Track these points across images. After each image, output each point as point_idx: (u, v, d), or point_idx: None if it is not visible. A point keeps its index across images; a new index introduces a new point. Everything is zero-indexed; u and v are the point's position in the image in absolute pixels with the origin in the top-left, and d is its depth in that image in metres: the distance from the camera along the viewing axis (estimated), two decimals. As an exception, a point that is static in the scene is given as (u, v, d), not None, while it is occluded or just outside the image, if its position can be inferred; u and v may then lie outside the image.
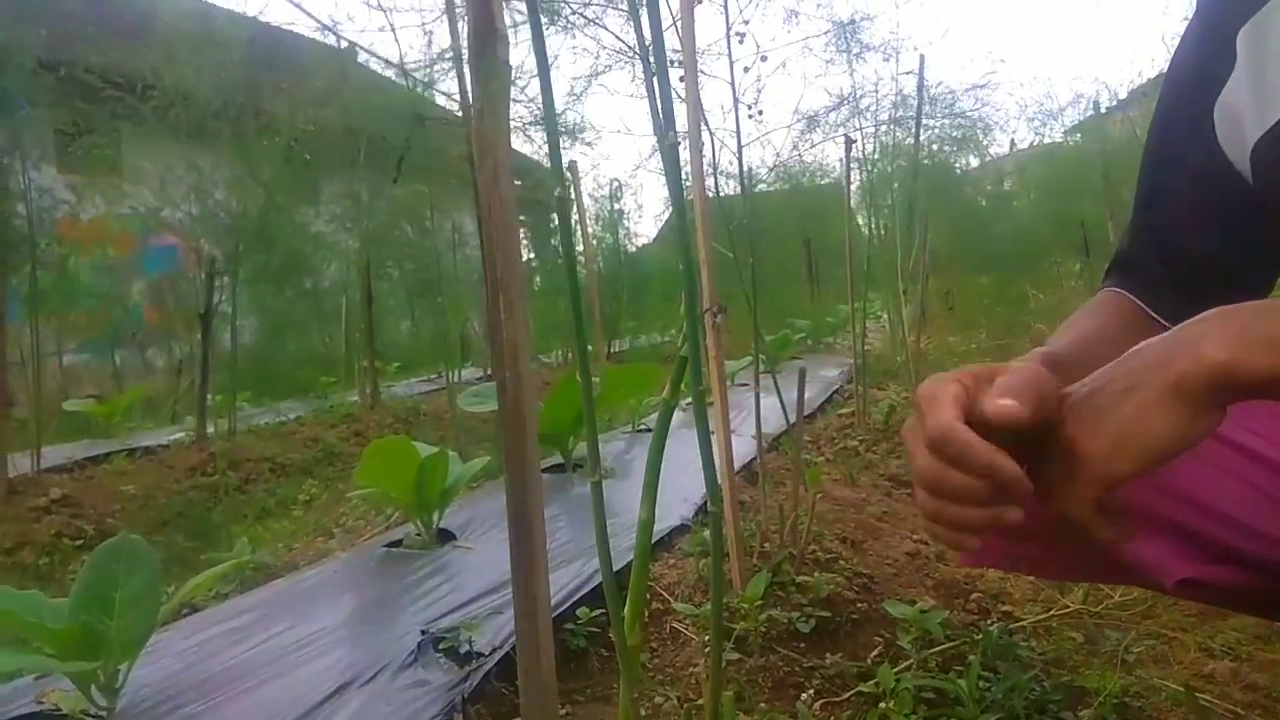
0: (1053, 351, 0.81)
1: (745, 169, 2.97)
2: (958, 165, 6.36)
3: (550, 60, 2.23)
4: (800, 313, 9.51)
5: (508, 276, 0.94)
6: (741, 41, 2.13)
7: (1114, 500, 0.65)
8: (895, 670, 1.68)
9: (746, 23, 2.17)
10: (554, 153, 1.04)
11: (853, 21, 2.91)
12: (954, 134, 5.88)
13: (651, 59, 1.08)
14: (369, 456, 2.51)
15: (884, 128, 5.44)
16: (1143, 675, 1.74)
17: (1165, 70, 0.98)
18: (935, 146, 5.83)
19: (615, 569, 1.12)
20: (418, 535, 2.58)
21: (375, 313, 6.57)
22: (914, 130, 5.35)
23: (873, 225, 6.24)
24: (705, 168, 2.50)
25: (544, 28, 1.94)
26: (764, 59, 2.21)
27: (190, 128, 4.66)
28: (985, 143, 6.68)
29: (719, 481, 1.06)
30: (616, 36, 1.78)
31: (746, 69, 2.17)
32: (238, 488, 4.47)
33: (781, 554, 2.14)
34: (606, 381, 3.51)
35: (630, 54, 1.53)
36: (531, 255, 11.76)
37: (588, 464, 1.08)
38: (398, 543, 2.60)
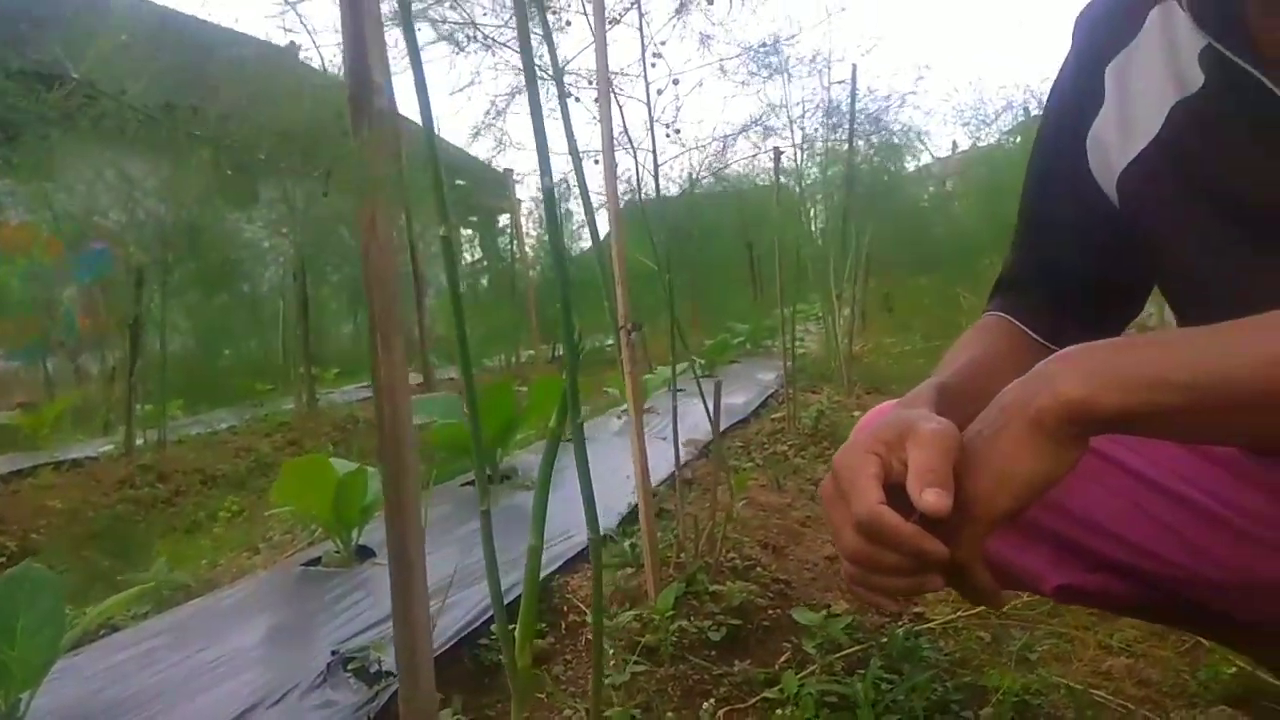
0: (944, 382, 0.84)
1: (688, 175, 3.03)
2: (893, 170, 6.44)
3: (471, 79, 2.23)
4: (741, 316, 9.57)
5: (385, 321, 0.96)
6: (654, 65, 2.17)
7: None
8: (799, 675, 1.73)
9: (663, 43, 2.21)
10: (439, 201, 1.04)
11: (764, 45, 2.95)
12: (891, 140, 5.96)
13: (551, 90, 1.11)
14: (285, 475, 2.50)
15: (817, 134, 5.49)
16: (1044, 673, 1.78)
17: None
18: (872, 153, 5.89)
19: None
20: (336, 553, 2.57)
21: (313, 318, 6.49)
22: (848, 138, 5.43)
23: (811, 228, 6.30)
24: (626, 185, 2.54)
25: (457, 50, 1.96)
26: (676, 82, 2.25)
27: (124, 130, 4.56)
28: (919, 149, 6.79)
29: (598, 509, 1.09)
30: (533, 61, 1.79)
31: (660, 91, 2.22)
32: (166, 501, 4.39)
33: (696, 564, 2.18)
34: (534, 391, 3.51)
35: (546, 75, 1.56)
36: (481, 257, 11.74)
37: (477, 492, 1.10)
38: (316, 560, 2.59)
